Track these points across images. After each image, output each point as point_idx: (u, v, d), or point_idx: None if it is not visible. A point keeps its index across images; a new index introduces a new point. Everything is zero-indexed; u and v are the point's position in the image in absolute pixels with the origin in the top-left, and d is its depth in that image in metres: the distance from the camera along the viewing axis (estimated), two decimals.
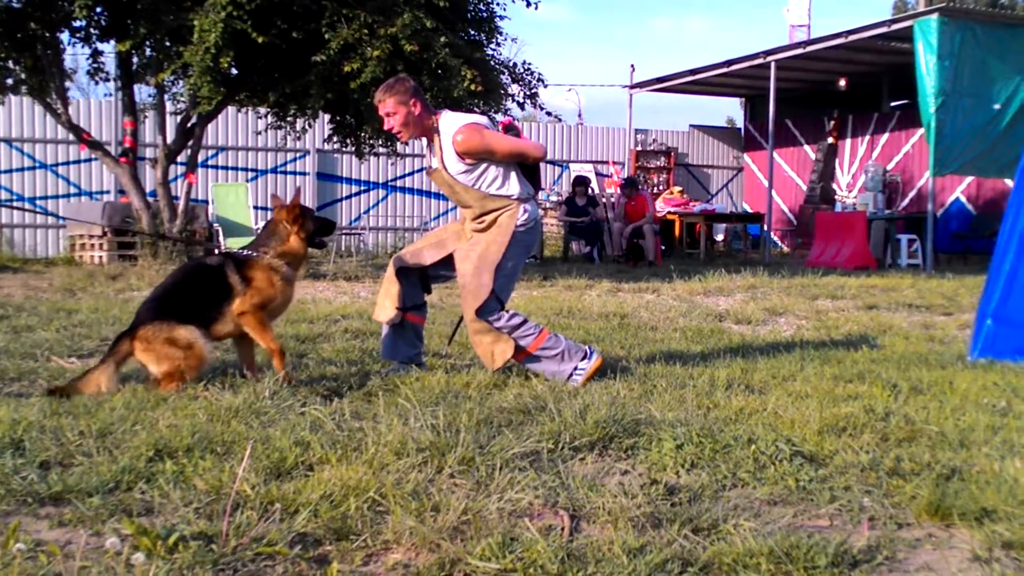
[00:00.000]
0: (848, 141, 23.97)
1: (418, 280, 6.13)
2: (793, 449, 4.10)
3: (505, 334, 5.78)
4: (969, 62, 16.68)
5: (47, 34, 14.15)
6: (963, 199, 21.34)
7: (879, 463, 3.96)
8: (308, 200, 21.59)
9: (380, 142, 15.44)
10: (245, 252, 5.77)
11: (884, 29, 18.13)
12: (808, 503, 3.56)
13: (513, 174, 5.88)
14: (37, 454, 3.86)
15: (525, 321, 5.85)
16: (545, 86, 15.17)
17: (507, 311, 5.84)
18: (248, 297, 5.57)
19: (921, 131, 18.45)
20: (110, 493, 3.45)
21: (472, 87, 12.77)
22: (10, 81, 15.14)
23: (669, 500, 3.50)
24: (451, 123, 5.79)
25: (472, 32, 14.36)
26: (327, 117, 16.09)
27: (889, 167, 22.45)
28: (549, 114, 15.64)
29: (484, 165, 5.77)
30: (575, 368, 5.77)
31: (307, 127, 15.96)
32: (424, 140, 5.95)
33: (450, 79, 12.63)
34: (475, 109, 14.53)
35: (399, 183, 22.66)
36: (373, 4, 12.52)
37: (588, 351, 5.86)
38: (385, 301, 6.05)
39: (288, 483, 3.55)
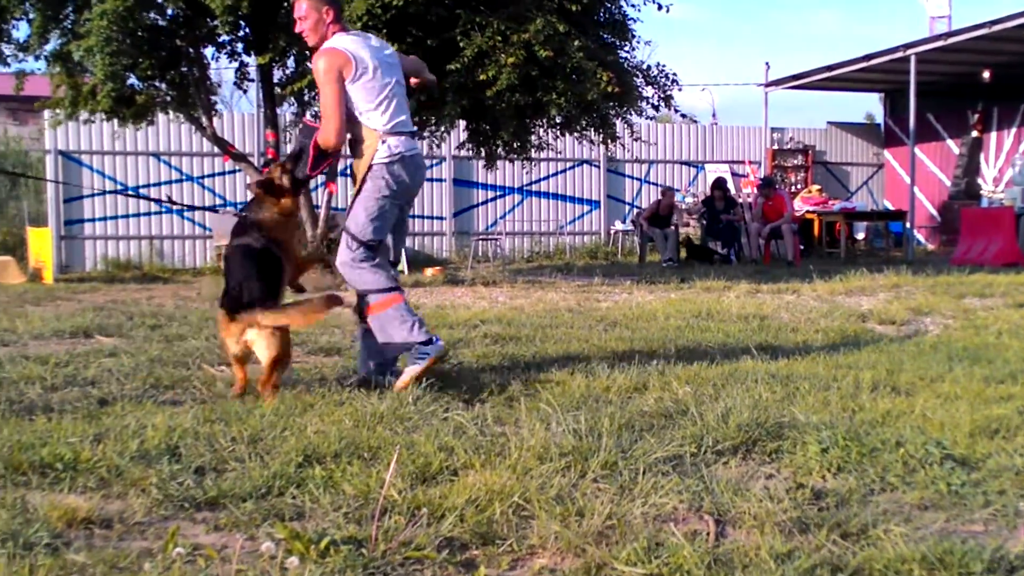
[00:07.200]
0: (993, 134, 23.25)
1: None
2: (943, 452, 4.01)
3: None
4: None
5: (191, 50, 14.57)
6: None
7: None
8: (444, 206, 21.83)
9: (516, 147, 15.29)
10: None
11: None
12: (961, 508, 3.48)
13: (385, 102, 5.64)
14: (192, 460, 3.99)
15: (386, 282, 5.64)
16: (680, 88, 15.05)
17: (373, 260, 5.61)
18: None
19: None
20: (262, 498, 3.55)
21: (609, 89, 12.76)
22: (158, 100, 15.60)
23: (816, 504, 3.47)
24: (330, 42, 5.60)
25: (605, 35, 14.32)
26: (463, 124, 16.16)
27: None
28: (684, 116, 15.52)
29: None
30: (418, 346, 5.49)
31: (444, 135, 16.09)
32: None
33: (585, 82, 12.65)
34: (610, 112, 14.48)
35: (534, 187, 22.72)
36: (506, 11, 12.62)
37: (434, 338, 5.57)
38: None
39: (434, 488, 3.60)
